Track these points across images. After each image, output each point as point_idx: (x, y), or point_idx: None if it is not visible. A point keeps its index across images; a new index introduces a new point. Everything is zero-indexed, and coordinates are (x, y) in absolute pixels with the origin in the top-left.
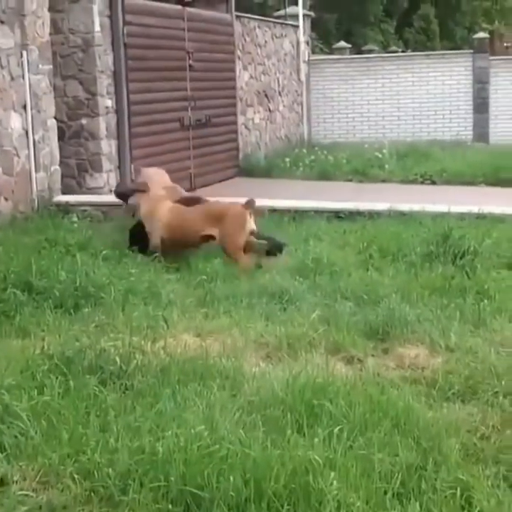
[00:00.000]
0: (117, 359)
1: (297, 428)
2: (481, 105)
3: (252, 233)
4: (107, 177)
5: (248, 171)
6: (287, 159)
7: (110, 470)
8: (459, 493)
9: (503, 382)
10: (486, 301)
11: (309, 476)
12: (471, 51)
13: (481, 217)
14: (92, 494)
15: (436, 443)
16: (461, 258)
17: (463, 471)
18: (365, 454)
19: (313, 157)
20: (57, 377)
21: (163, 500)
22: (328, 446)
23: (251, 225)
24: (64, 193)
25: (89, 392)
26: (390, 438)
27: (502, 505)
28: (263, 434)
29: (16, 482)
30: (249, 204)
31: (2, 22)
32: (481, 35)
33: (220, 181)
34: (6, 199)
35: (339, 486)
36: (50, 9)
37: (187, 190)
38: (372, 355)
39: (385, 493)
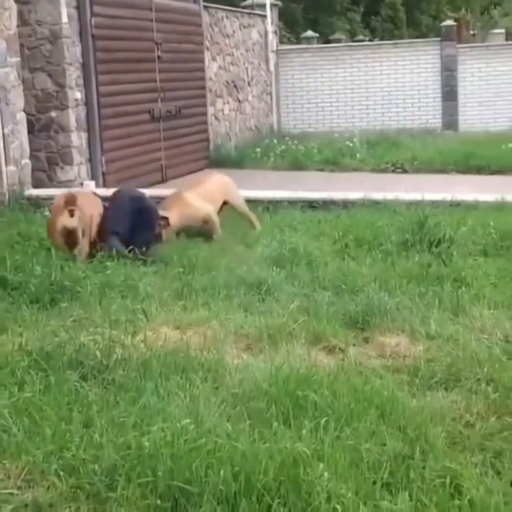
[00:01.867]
0: (97, 353)
1: (283, 420)
2: (449, 93)
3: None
4: (78, 170)
5: (219, 162)
6: (258, 150)
7: (96, 466)
8: (447, 481)
9: (485, 369)
10: (463, 288)
11: (298, 468)
12: (439, 39)
13: (454, 204)
14: (79, 491)
15: (422, 432)
16: (437, 246)
17: (450, 459)
18: (352, 445)
19: (283, 147)
20: (37, 373)
21: (152, 495)
22: (316, 437)
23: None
24: (35, 186)
25: (70, 387)
26: (377, 428)
27: (491, 493)
28: (249, 427)
29: (0, 480)
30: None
31: None
32: (448, 23)
33: (191, 173)
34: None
35: (329, 477)
36: (17, 1)
37: (158, 183)
38: (354, 345)
39: (374, 483)
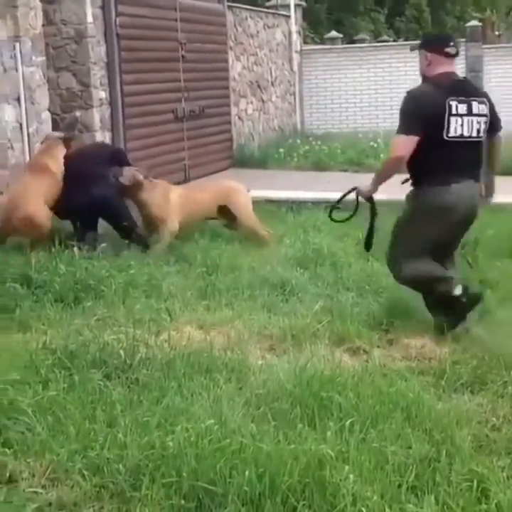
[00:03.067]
0: (121, 353)
1: (308, 421)
2: None
3: None
4: None
5: (242, 161)
6: (281, 150)
7: (120, 465)
8: (474, 485)
9: (511, 372)
10: (489, 290)
11: (323, 470)
12: (464, 40)
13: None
14: (103, 490)
15: (448, 435)
16: (462, 248)
17: (477, 462)
18: (377, 447)
19: (307, 147)
20: (61, 372)
21: (176, 495)
22: (340, 439)
23: None
24: None
25: (94, 386)
26: (402, 430)
27: None
28: (274, 428)
29: (25, 479)
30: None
31: None
32: (473, 23)
33: (214, 172)
34: (0, 193)
35: (354, 480)
36: (42, 0)
37: (182, 182)
38: (378, 346)
39: (400, 486)
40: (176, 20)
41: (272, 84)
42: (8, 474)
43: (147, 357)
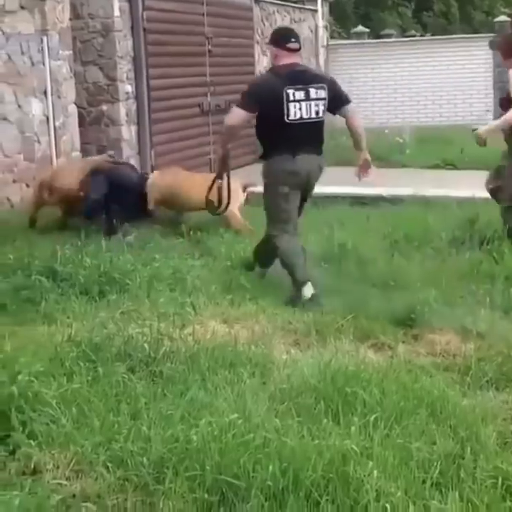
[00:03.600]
0: (146, 346)
1: (332, 416)
2: (502, 89)
3: None
4: None
5: None
6: None
7: (144, 459)
8: (499, 482)
9: None
10: None
11: (347, 466)
12: (492, 35)
13: None
14: (126, 483)
15: (473, 431)
16: (488, 243)
17: (502, 459)
18: (402, 443)
19: (333, 142)
20: (85, 364)
21: (199, 489)
22: (365, 435)
23: None
24: None
25: (118, 379)
26: (427, 426)
27: None
28: (298, 423)
29: (49, 470)
30: None
31: (22, 7)
32: (502, 18)
33: (239, 167)
34: (27, 185)
35: (378, 476)
36: None
37: None
38: (403, 342)
39: (424, 482)
40: (203, 14)
41: None
42: (32, 466)
43: (171, 350)
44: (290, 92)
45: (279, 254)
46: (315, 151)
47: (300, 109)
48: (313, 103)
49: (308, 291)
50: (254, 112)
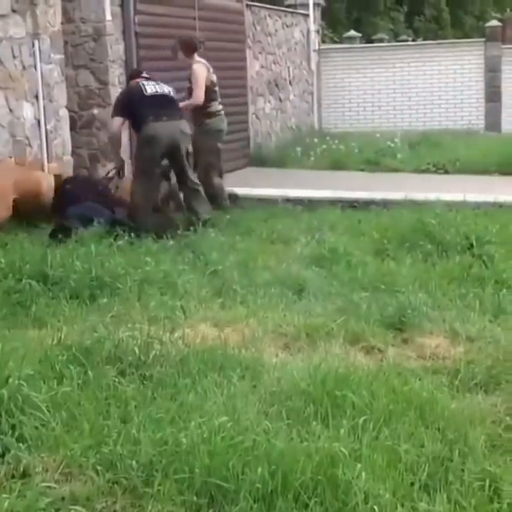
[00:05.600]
0: (136, 349)
1: (321, 419)
2: (493, 94)
3: None
4: None
5: (259, 160)
6: (298, 149)
7: (133, 461)
8: (487, 484)
9: None
10: (505, 290)
11: (336, 468)
12: (483, 40)
13: (496, 206)
14: (116, 486)
15: (461, 434)
16: (478, 247)
17: (489, 462)
18: (390, 446)
19: (324, 146)
20: (75, 368)
21: (188, 491)
22: (354, 437)
23: None
24: None
25: (108, 382)
26: (415, 429)
27: None
28: (287, 426)
29: (39, 473)
30: None
31: (14, 11)
32: (493, 23)
33: (231, 171)
34: None
35: (366, 478)
36: None
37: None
38: (392, 345)
39: (412, 484)
40: (195, 18)
41: (290, 83)
42: (22, 469)
43: (161, 354)
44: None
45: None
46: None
47: None
48: None
49: None
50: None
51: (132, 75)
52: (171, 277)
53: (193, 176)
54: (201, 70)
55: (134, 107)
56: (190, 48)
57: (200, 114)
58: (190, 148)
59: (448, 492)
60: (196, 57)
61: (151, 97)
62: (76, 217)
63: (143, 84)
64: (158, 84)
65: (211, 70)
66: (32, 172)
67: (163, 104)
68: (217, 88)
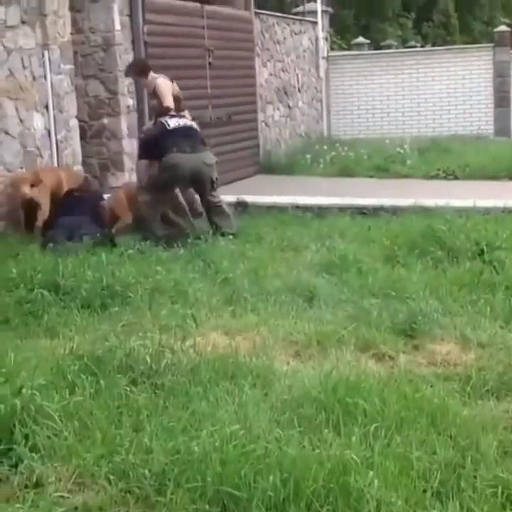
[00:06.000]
0: (147, 358)
1: (333, 427)
2: (502, 99)
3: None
4: (129, 176)
5: (269, 168)
6: (308, 156)
7: (145, 470)
8: (499, 491)
9: None
10: None
11: (348, 476)
12: (492, 45)
13: (506, 211)
14: (128, 495)
15: (473, 440)
16: (488, 253)
17: (502, 468)
18: (402, 453)
19: (333, 153)
20: (87, 377)
21: (200, 500)
22: (365, 444)
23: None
24: None
25: (120, 391)
26: (427, 436)
27: None
28: (298, 433)
29: (52, 483)
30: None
31: (23, 22)
32: (502, 28)
33: (241, 179)
34: None
35: (378, 485)
36: (71, 9)
37: None
38: (403, 352)
39: (424, 491)
40: (203, 27)
41: (299, 90)
42: (35, 479)
43: (173, 363)
44: None
45: None
46: None
47: None
48: None
49: None
50: None
51: (160, 113)
52: (182, 286)
53: (215, 193)
54: (164, 81)
55: (158, 142)
56: (143, 69)
57: None
58: (216, 176)
59: (460, 499)
60: (153, 74)
61: (174, 130)
62: (64, 228)
63: (166, 120)
64: (181, 118)
65: (174, 82)
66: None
67: (186, 136)
68: (182, 100)
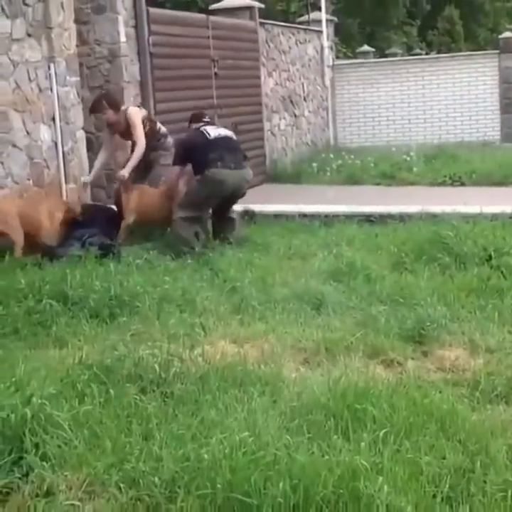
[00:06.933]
0: (156, 367)
1: (342, 433)
2: (508, 105)
3: None
4: None
5: (275, 177)
6: (314, 164)
7: (156, 478)
8: (509, 495)
9: None
10: None
11: (357, 481)
12: (497, 51)
13: None
14: (139, 503)
15: (482, 445)
16: (496, 259)
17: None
18: (412, 458)
19: (340, 161)
20: (97, 386)
21: (211, 507)
22: (375, 450)
23: None
24: None
25: (129, 400)
26: (436, 441)
27: None
28: (308, 440)
29: (62, 492)
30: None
31: (29, 35)
32: (507, 35)
33: (248, 188)
34: None
35: (388, 491)
36: (76, 21)
37: None
38: (412, 358)
39: (434, 496)
40: (209, 37)
41: (305, 99)
42: (45, 488)
43: (182, 371)
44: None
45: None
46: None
47: None
48: None
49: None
50: None
51: (192, 118)
52: (190, 295)
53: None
54: (135, 111)
55: (199, 153)
56: (116, 102)
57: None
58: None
59: (470, 504)
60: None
61: (215, 140)
62: (75, 240)
63: (205, 129)
64: (218, 127)
65: (143, 109)
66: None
67: (230, 149)
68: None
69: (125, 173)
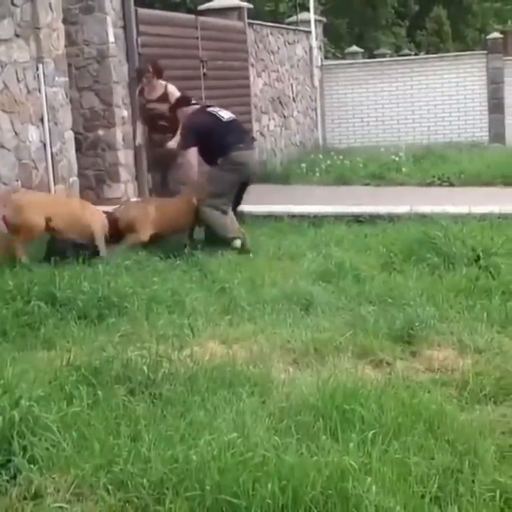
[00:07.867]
0: (145, 368)
1: (330, 434)
2: (496, 106)
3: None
4: (125, 187)
5: (264, 177)
6: (303, 165)
7: (144, 480)
8: (497, 495)
9: None
10: None
11: (346, 482)
12: (485, 52)
13: (502, 217)
14: (127, 505)
15: (471, 445)
16: (484, 259)
17: (500, 473)
18: (400, 458)
19: (329, 162)
20: (85, 388)
21: (199, 509)
22: (363, 451)
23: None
24: None
25: (118, 402)
26: (425, 441)
27: None
28: (296, 441)
29: (50, 494)
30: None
31: (17, 35)
32: (495, 35)
33: None
34: None
35: (376, 491)
36: (64, 21)
37: None
38: (401, 359)
39: (423, 497)
40: (197, 38)
41: (294, 99)
42: (33, 490)
43: (170, 372)
44: None
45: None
46: None
47: None
48: None
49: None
50: None
51: (180, 101)
52: (179, 296)
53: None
54: (174, 88)
55: (215, 135)
56: (160, 69)
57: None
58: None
59: (459, 504)
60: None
61: (229, 121)
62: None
63: (214, 111)
64: (220, 109)
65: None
66: None
67: (244, 131)
68: None
69: (172, 144)
